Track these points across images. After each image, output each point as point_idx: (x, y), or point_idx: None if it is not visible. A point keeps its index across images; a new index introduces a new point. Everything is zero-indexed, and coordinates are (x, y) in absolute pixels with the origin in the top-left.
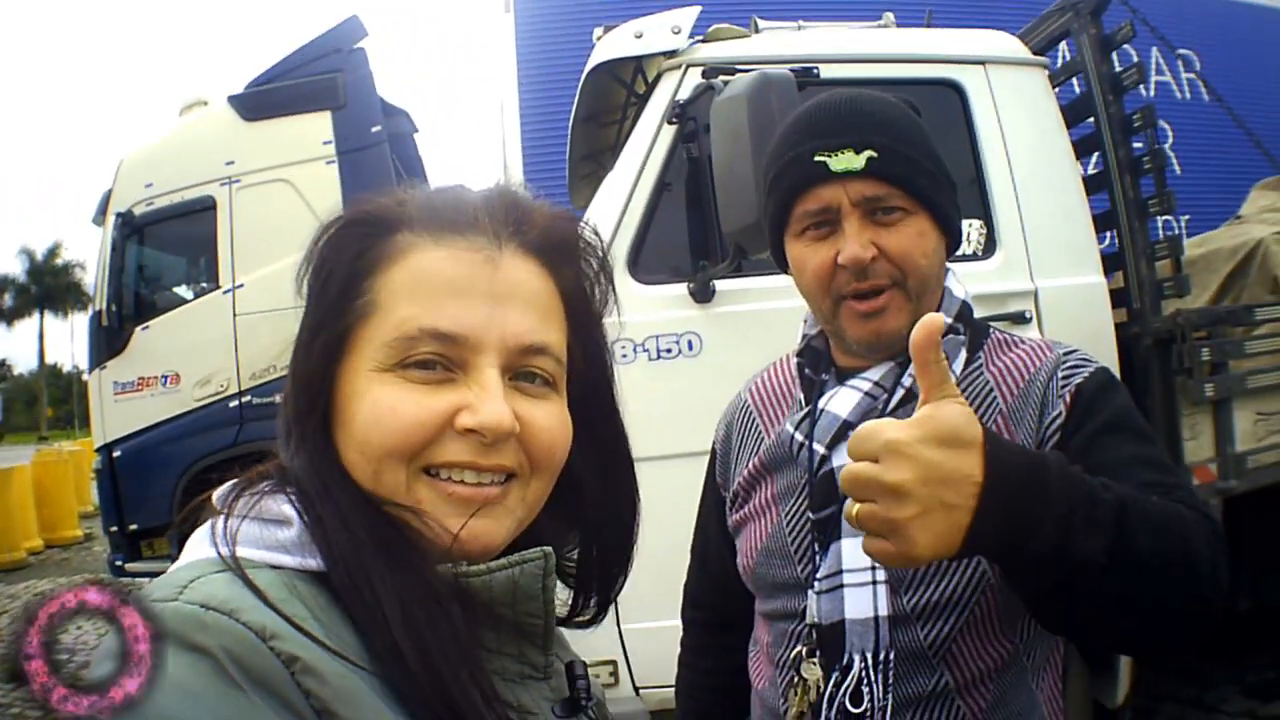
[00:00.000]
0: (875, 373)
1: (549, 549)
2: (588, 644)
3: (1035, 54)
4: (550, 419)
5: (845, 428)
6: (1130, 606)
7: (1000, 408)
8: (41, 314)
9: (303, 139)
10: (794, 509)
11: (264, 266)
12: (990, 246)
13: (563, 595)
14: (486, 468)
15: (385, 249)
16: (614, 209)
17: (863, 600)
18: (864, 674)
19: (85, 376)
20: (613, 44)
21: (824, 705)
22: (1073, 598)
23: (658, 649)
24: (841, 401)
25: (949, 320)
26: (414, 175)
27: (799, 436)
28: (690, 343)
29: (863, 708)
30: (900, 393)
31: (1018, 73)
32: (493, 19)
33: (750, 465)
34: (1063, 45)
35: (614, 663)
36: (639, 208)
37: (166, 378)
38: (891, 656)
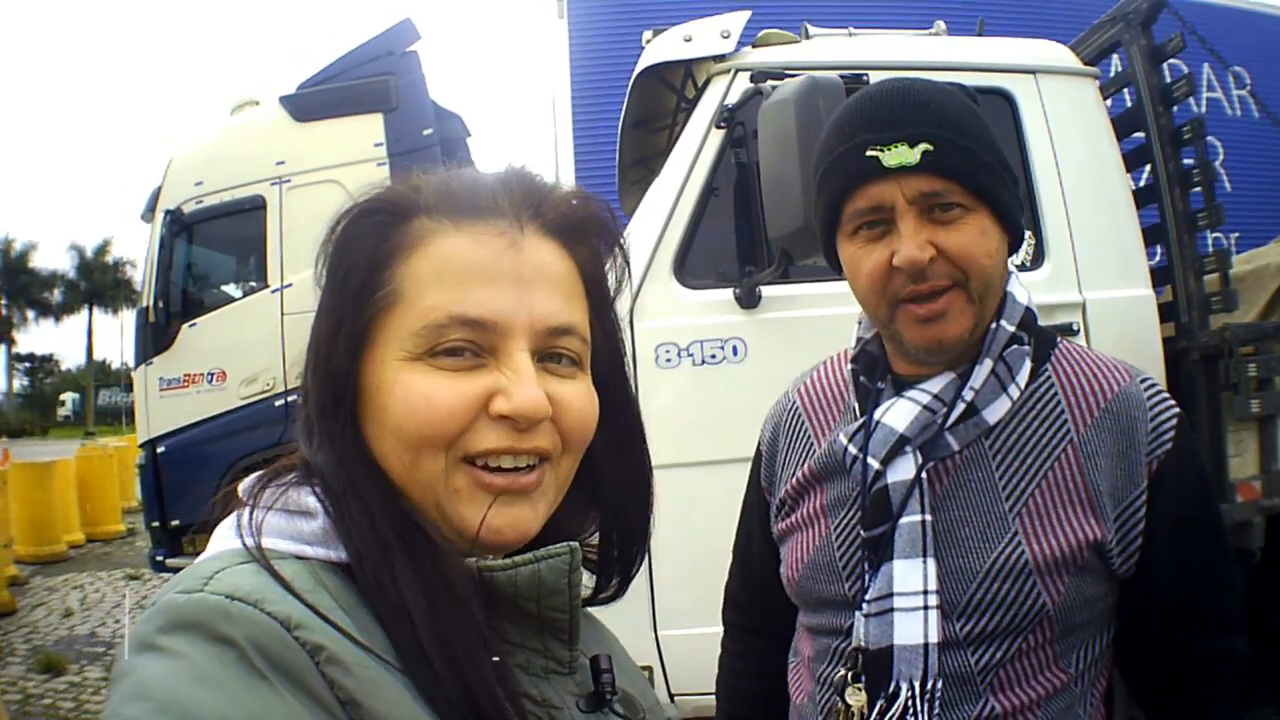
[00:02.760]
0: (935, 384)
1: (575, 545)
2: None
3: (1087, 64)
4: (580, 398)
5: (902, 442)
6: None
7: (1071, 437)
8: (91, 310)
9: (354, 141)
10: (844, 523)
11: (312, 266)
12: (1039, 257)
13: (586, 581)
14: (523, 451)
15: (404, 237)
16: (660, 213)
17: (913, 626)
18: (910, 704)
19: (132, 372)
20: (661, 47)
21: None
22: None
23: (695, 656)
24: (898, 414)
25: (1011, 328)
26: None
27: (853, 449)
28: (735, 348)
29: None
30: (960, 407)
31: (1068, 83)
32: (546, 25)
33: (799, 473)
34: (1115, 58)
35: (649, 669)
36: (686, 212)
37: (212, 375)
38: (939, 685)
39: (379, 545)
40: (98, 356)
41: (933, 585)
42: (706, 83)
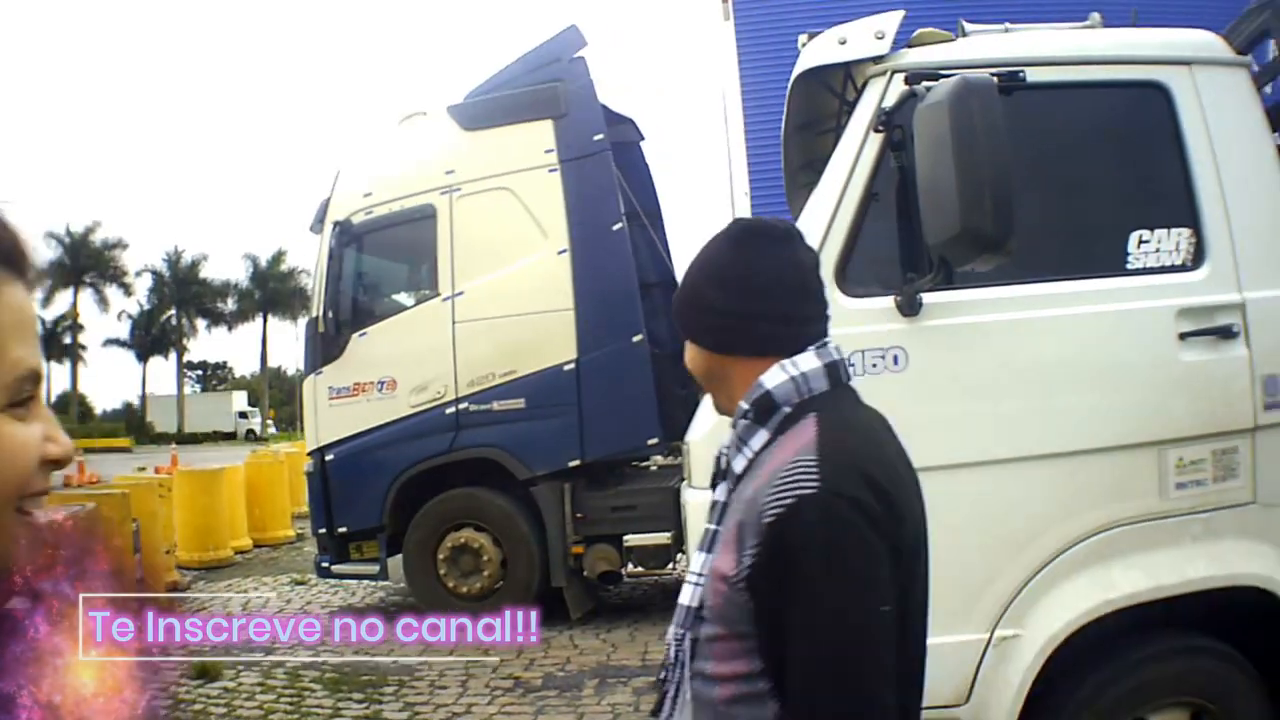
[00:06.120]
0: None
1: None
2: None
3: (1239, 53)
4: None
5: (722, 474)
6: None
7: (754, 491)
8: (265, 318)
9: (524, 147)
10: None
11: (485, 274)
12: (1199, 257)
13: None
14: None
15: None
16: (822, 219)
17: (688, 593)
18: (678, 643)
19: (303, 381)
20: (817, 51)
21: None
22: None
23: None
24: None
25: (746, 406)
26: (640, 183)
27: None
28: (896, 357)
29: None
30: (723, 460)
31: (1222, 73)
32: (712, 28)
33: None
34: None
35: None
36: (846, 218)
37: (383, 384)
38: (691, 638)
39: None
40: (272, 364)
41: (705, 570)
42: (864, 85)
